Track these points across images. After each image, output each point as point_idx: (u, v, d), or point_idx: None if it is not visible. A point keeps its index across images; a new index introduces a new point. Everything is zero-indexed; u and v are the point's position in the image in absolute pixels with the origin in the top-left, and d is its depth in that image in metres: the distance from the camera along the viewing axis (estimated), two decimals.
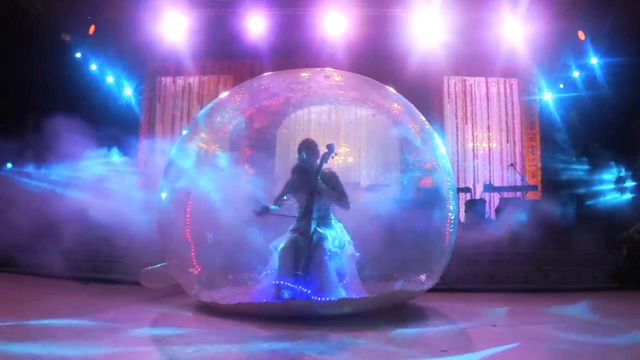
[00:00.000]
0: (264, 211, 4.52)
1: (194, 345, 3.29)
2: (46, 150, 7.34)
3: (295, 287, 4.15)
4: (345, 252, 4.55)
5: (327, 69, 5.55)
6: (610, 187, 8.95)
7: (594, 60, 9.69)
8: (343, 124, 6.67)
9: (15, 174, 7.97)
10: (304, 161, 4.72)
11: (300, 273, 4.19)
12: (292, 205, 4.86)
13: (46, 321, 3.78)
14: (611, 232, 7.25)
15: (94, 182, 7.51)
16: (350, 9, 9.72)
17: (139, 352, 3.11)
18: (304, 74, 5.34)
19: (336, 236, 4.53)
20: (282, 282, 4.20)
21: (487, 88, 11.22)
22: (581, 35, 9.66)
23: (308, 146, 4.73)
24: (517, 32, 9.47)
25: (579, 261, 6.84)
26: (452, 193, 5.03)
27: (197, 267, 4.93)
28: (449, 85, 11.22)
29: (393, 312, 4.35)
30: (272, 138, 6.16)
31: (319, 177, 4.55)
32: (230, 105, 5.37)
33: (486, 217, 9.06)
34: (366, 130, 6.91)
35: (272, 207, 4.61)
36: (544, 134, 10.66)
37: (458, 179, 10.24)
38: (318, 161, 4.59)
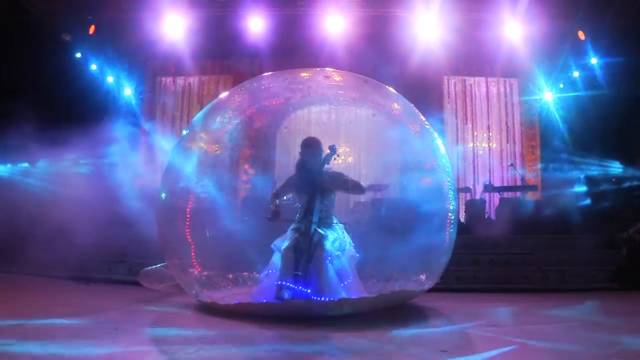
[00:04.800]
0: (275, 217, 4.55)
1: (194, 345, 3.29)
2: (46, 150, 7.34)
3: (296, 287, 4.15)
4: (346, 252, 4.55)
5: (327, 69, 5.55)
6: (609, 187, 8.95)
7: (594, 60, 9.69)
8: (343, 124, 6.66)
9: (15, 173, 7.97)
10: (306, 160, 4.70)
11: (300, 273, 4.19)
12: (292, 205, 4.87)
13: (46, 321, 3.78)
14: (611, 232, 7.25)
15: (94, 181, 7.51)
16: (350, 9, 9.72)
17: (139, 352, 3.10)
18: (304, 74, 5.33)
19: (337, 237, 4.53)
20: (283, 282, 4.20)
21: (487, 88, 11.23)
22: (581, 35, 9.66)
23: (311, 145, 4.71)
24: (517, 32, 9.47)
25: (579, 261, 6.84)
26: (452, 193, 5.03)
27: (197, 267, 4.93)
28: (449, 85, 11.23)
29: (393, 312, 4.35)
30: (272, 138, 6.16)
31: (320, 177, 4.55)
32: (230, 105, 5.37)
33: (486, 217, 9.07)
34: (366, 130, 6.91)
35: (278, 203, 4.63)
36: (544, 134, 10.67)
37: (458, 179, 10.24)
38: (321, 161, 4.58)
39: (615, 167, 9.38)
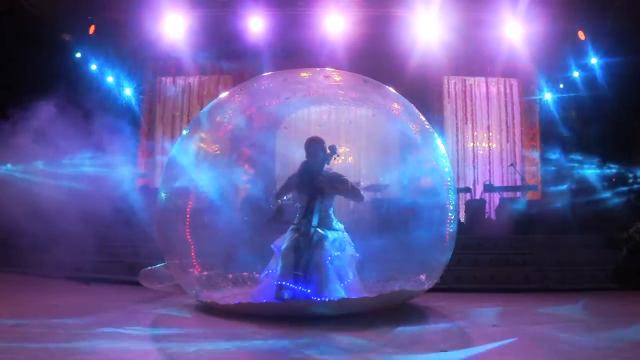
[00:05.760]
0: (278, 217, 4.53)
1: (194, 345, 3.29)
2: (45, 150, 7.34)
3: (296, 287, 4.15)
4: (346, 252, 4.55)
5: (327, 69, 5.55)
6: (610, 187, 8.95)
7: (594, 60, 9.69)
8: (343, 124, 6.66)
9: (15, 173, 7.97)
10: (308, 160, 4.69)
11: (300, 273, 4.19)
12: (292, 205, 4.87)
13: (46, 321, 3.78)
14: (611, 232, 7.25)
15: (94, 182, 7.51)
16: (350, 9, 9.72)
17: (139, 352, 3.11)
18: (304, 74, 5.34)
19: (337, 237, 4.53)
20: (282, 282, 4.21)
21: (487, 88, 11.22)
22: (581, 35, 9.67)
23: (312, 145, 4.69)
24: (517, 32, 9.47)
25: (579, 261, 6.84)
26: (452, 193, 5.03)
27: (197, 267, 4.93)
28: (449, 85, 11.22)
29: (393, 312, 4.35)
30: (272, 138, 6.16)
31: (321, 177, 4.54)
32: (230, 105, 5.37)
33: (486, 217, 9.07)
34: (366, 130, 6.91)
35: (280, 206, 4.61)
36: (544, 134, 10.66)
37: (458, 179, 10.24)
38: (321, 161, 4.57)
39: (615, 167, 9.38)
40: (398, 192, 6.29)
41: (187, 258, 4.88)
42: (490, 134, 11.13)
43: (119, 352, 3.04)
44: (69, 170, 7.85)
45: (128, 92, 10.90)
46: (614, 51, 9.24)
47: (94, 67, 10.31)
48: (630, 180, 8.97)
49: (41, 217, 6.34)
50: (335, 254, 4.41)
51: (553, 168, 9.93)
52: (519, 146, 11.01)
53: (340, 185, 4.61)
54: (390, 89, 5.32)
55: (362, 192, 4.76)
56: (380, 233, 5.06)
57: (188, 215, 4.93)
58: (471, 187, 10.38)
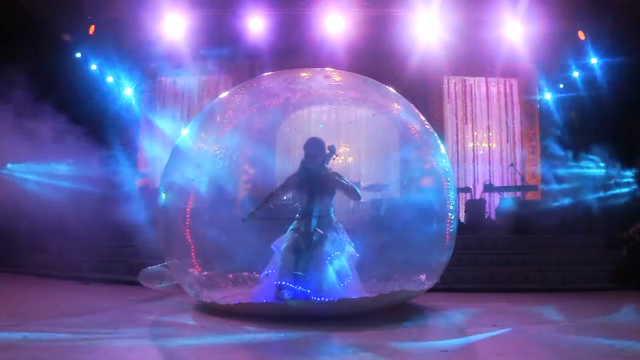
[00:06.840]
0: (250, 217, 4.59)
1: (194, 345, 3.29)
2: (45, 150, 7.34)
3: (296, 287, 4.15)
4: (346, 252, 4.55)
5: (327, 69, 5.55)
6: (609, 187, 8.95)
7: (594, 60, 9.69)
8: (343, 124, 6.67)
9: (14, 174, 7.97)
10: (307, 160, 4.69)
11: (300, 273, 4.19)
12: (292, 205, 4.87)
13: (46, 321, 3.78)
14: (611, 232, 7.26)
15: (94, 182, 7.51)
16: (350, 9, 9.72)
17: (139, 352, 3.11)
18: (304, 74, 5.34)
19: (336, 237, 4.53)
20: (282, 282, 4.21)
21: (487, 88, 11.23)
22: (581, 35, 9.67)
23: (311, 145, 4.69)
24: (517, 32, 9.48)
25: (579, 261, 6.85)
26: (452, 193, 5.04)
27: (197, 267, 4.93)
28: (449, 85, 11.23)
29: (393, 312, 4.35)
30: (272, 138, 6.16)
31: (320, 177, 4.55)
32: (230, 105, 5.37)
33: (486, 217, 9.07)
34: (366, 130, 6.92)
35: (257, 210, 4.67)
36: (544, 134, 10.67)
37: (458, 179, 10.24)
38: (321, 161, 4.58)
39: (615, 167, 9.38)
40: (398, 192, 6.30)
41: (187, 258, 4.88)
42: (490, 133, 11.14)
43: (118, 352, 3.05)
44: (69, 170, 7.85)
45: (128, 92, 10.90)
46: (614, 51, 9.24)
47: (94, 67, 10.32)
48: (631, 180, 8.97)
49: (41, 217, 6.34)
50: (335, 253, 4.41)
51: (553, 168, 9.92)
52: (519, 146, 11.02)
53: (339, 185, 4.64)
54: (390, 89, 5.32)
55: (359, 192, 4.78)
56: (380, 233, 5.06)
57: (188, 215, 4.93)
58: (471, 187, 10.38)
